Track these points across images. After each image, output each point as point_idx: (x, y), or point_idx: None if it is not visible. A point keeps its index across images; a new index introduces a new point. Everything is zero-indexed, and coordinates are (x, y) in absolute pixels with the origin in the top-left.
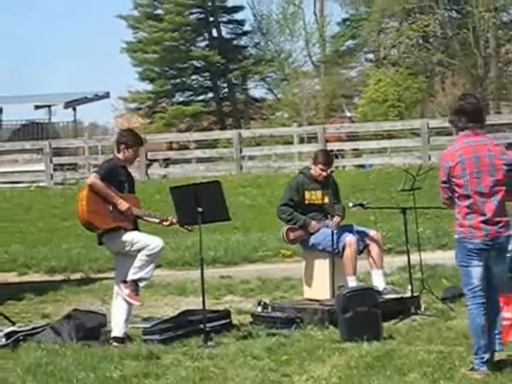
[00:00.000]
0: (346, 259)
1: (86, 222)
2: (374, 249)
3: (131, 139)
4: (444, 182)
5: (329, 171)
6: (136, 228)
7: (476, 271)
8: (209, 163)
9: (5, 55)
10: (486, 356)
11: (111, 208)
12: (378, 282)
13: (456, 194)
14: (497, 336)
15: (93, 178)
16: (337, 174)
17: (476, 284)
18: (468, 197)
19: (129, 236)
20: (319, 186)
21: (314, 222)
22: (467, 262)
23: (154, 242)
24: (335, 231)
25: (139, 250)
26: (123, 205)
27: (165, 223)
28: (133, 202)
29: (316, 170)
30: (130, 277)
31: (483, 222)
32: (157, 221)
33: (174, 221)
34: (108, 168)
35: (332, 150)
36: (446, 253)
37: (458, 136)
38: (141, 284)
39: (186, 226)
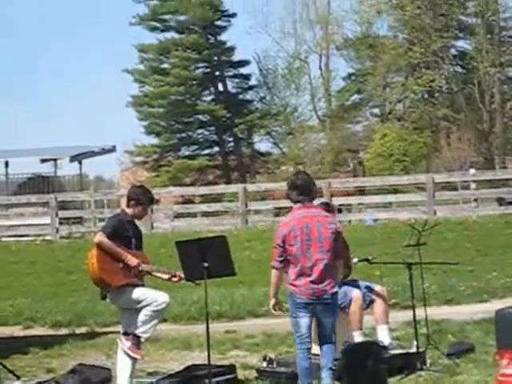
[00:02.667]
0: (352, 314)
1: (98, 279)
2: (380, 304)
3: (143, 197)
4: (279, 246)
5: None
6: (143, 284)
7: (303, 322)
8: (214, 217)
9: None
10: None
11: (121, 265)
12: (384, 337)
13: (289, 258)
14: (329, 371)
15: (99, 237)
16: (342, 229)
17: (303, 332)
18: (298, 261)
19: (136, 293)
20: None
21: None
22: (296, 314)
23: (161, 299)
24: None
25: (144, 306)
26: (132, 261)
27: (174, 279)
28: (141, 258)
29: None
30: (133, 331)
31: (311, 282)
32: (165, 277)
33: (183, 276)
34: (114, 225)
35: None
36: (452, 308)
37: (293, 208)
38: (142, 339)
39: (193, 280)
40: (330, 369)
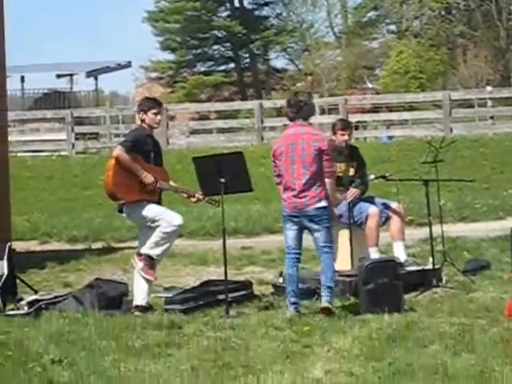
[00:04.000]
0: (369, 231)
1: (110, 192)
2: (396, 221)
3: (146, 103)
4: (272, 161)
5: (347, 138)
6: (160, 200)
7: (289, 234)
8: (230, 133)
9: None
10: (293, 300)
11: (137, 180)
12: (400, 253)
13: (278, 173)
14: (326, 290)
15: (118, 151)
16: (358, 146)
17: (289, 244)
18: (284, 176)
19: (150, 211)
20: (344, 159)
21: (337, 195)
22: (284, 225)
23: (174, 220)
24: (352, 203)
25: (158, 226)
26: (148, 178)
27: (192, 199)
28: (160, 175)
29: (337, 138)
30: (145, 251)
31: (293, 196)
32: (184, 195)
33: (201, 197)
34: (133, 138)
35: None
36: (468, 225)
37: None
38: (155, 260)
39: (211, 201)
40: (328, 287)
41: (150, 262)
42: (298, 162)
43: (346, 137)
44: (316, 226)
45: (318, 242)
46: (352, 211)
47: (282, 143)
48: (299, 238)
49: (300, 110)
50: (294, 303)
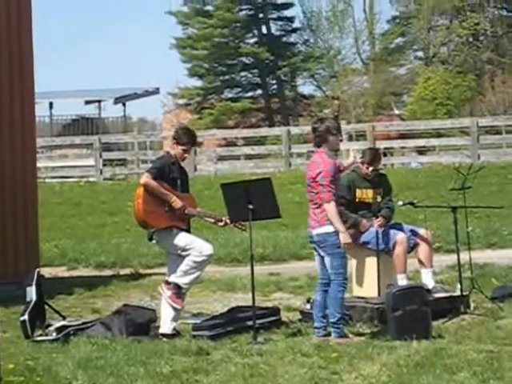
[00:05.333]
0: (397, 257)
1: (141, 220)
2: (424, 247)
3: (184, 137)
4: None
5: (374, 168)
6: (189, 227)
7: (315, 259)
8: (257, 160)
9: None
10: (315, 324)
11: (166, 207)
12: (428, 280)
13: None
14: (332, 327)
15: (145, 178)
16: (385, 172)
17: (317, 269)
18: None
19: (181, 240)
20: (370, 185)
21: (364, 221)
22: None
23: (205, 249)
24: (380, 230)
25: (188, 255)
26: (177, 203)
27: (219, 224)
28: (188, 201)
29: (363, 169)
30: (174, 279)
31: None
32: (211, 220)
33: (228, 222)
34: (160, 166)
35: (378, 149)
36: (496, 252)
37: None
38: (183, 289)
39: (238, 225)
40: (333, 323)
41: (178, 291)
42: (307, 189)
43: (370, 171)
44: (322, 252)
45: (328, 268)
46: (380, 238)
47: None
48: (322, 263)
49: (317, 137)
50: (316, 327)
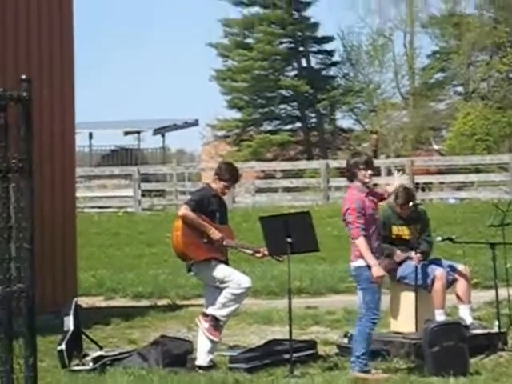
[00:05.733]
0: (435, 293)
1: (180, 252)
2: (462, 283)
3: (226, 173)
4: None
5: (410, 206)
6: (227, 259)
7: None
8: (295, 193)
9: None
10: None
11: (205, 239)
12: (466, 316)
13: None
14: (353, 360)
15: (183, 210)
16: (424, 208)
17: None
18: None
19: (219, 272)
20: (406, 222)
21: (398, 251)
22: None
23: (243, 282)
24: (419, 265)
25: (226, 287)
26: (216, 234)
27: (257, 255)
28: (226, 233)
29: (397, 208)
30: (211, 311)
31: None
32: (249, 252)
33: (266, 253)
34: (199, 198)
35: (411, 189)
36: None
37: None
38: (221, 322)
39: (276, 257)
40: (357, 357)
41: (216, 323)
42: None
43: (404, 211)
44: (358, 286)
45: (360, 303)
46: (418, 273)
47: None
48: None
49: (346, 172)
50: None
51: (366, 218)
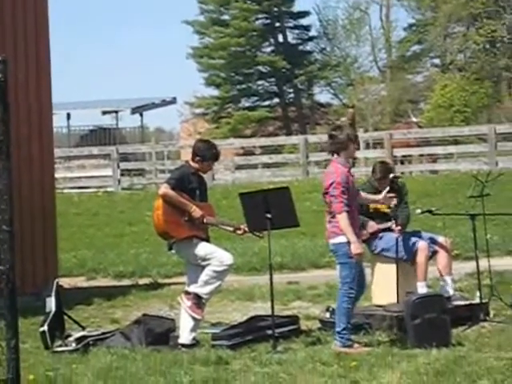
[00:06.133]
0: (418, 265)
1: (162, 231)
2: (443, 255)
3: (209, 153)
4: None
5: (390, 179)
6: (208, 236)
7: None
8: (275, 168)
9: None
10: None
11: (186, 217)
12: (447, 288)
13: None
14: (336, 335)
15: (164, 189)
16: (404, 180)
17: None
18: None
19: (201, 250)
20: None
21: (371, 222)
22: None
23: (225, 259)
24: (400, 238)
25: (208, 264)
26: (197, 212)
27: (238, 232)
28: (207, 210)
29: (374, 182)
30: (194, 289)
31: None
32: (230, 229)
33: (247, 230)
34: (178, 176)
35: (388, 163)
36: None
37: None
38: (203, 299)
39: (256, 233)
40: (338, 332)
41: (198, 301)
42: (323, 200)
43: (383, 185)
44: (336, 261)
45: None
46: (399, 245)
47: None
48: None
49: (330, 145)
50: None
51: (350, 193)
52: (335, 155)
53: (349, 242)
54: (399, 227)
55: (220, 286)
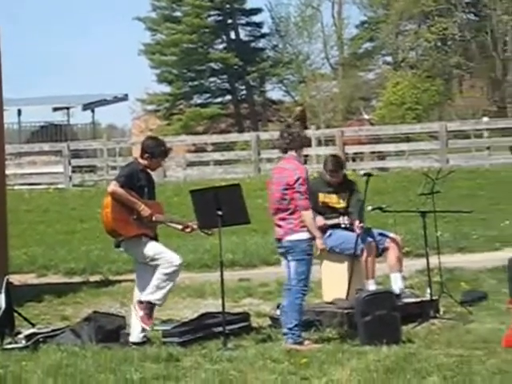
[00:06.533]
0: (365, 262)
1: (110, 229)
2: (393, 252)
3: (158, 150)
4: None
5: (340, 175)
6: (156, 235)
7: (282, 264)
8: (227, 165)
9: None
10: (283, 330)
11: (134, 215)
12: (397, 285)
13: None
14: (287, 333)
15: (113, 186)
16: (355, 178)
17: (285, 272)
18: (270, 207)
19: (150, 250)
20: (334, 190)
21: (318, 217)
22: None
23: (174, 260)
24: (354, 235)
25: (157, 265)
26: (145, 211)
27: (187, 230)
28: (155, 208)
29: (326, 176)
30: (147, 297)
31: (276, 226)
32: (179, 227)
33: (195, 227)
34: (127, 174)
35: (340, 156)
36: (465, 256)
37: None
38: (156, 305)
39: (205, 231)
40: (289, 329)
41: (150, 311)
42: (275, 196)
43: (334, 179)
44: (290, 257)
45: (290, 274)
46: (350, 242)
47: (271, 175)
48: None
49: (292, 142)
50: (285, 333)
51: (308, 190)
52: (291, 152)
53: (308, 239)
54: (361, 224)
55: (172, 287)
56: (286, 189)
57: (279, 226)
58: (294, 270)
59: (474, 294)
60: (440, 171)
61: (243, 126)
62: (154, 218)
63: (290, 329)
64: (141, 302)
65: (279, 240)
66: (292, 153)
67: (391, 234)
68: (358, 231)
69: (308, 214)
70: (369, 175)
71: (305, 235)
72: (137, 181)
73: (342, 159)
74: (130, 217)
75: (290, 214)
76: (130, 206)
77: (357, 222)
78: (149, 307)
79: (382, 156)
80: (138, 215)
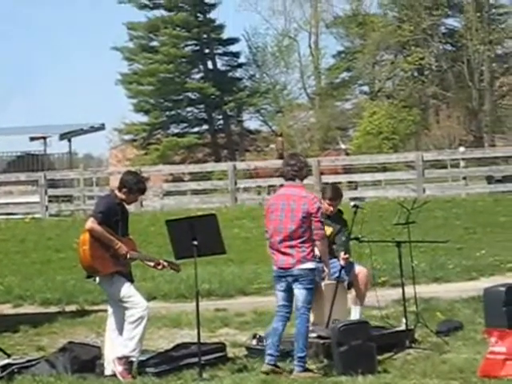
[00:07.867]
0: (358, 289)
1: (88, 266)
2: (356, 285)
3: (136, 187)
4: (266, 220)
5: (332, 209)
6: (130, 272)
7: (279, 293)
8: (203, 195)
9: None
10: (270, 351)
11: (111, 252)
12: (356, 317)
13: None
14: (297, 360)
15: (90, 223)
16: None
17: (279, 302)
18: (273, 235)
19: (119, 290)
20: (330, 222)
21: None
22: (275, 284)
23: (140, 305)
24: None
25: (126, 308)
26: (122, 249)
27: (158, 267)
28: (129, 245)
29: (324, 205)
30: (121, 352)
31: (281, 254)
32: (151, 264)
33: (166, 264)
34: (104, 209)
35: (339, 186)
36: (441, 286)
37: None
38: (134, 358)
39: (173, 267)
40: (299, 357)
41: (129, 366)
42: (287, 223)
43: (331, 208)
44: (299, 285)
45: (297, 302)
46: (336, 272)
47: (274, 202)
48: (288, 297)
49: (300, 170)
50: (271, 355)
51: None
52: (298, 180)
53: (314, 269)
54: (347, 255)
55: (144, 331)
56: (305, 217)
57: (287, 254)
58: (304, 298)
59: (449, 323)
60: (415, 201)
61: (220, 156)
62: (128, 256)
63: (301, 357)
64: (119, 358)
65: (287, 269)
66: (298, 181)
67: (357, 267)
68: (342, 263)
69: (324, 243)
70: (357, 207)
71: (314, 264)
72: (113, 216)
73: (340, 189)
74: (106, 254)
75: (303, 242)
76: (106, 243)
77: (342, 253)
78: (127, 363)
79: (354, 186)
80: (114, 252)
